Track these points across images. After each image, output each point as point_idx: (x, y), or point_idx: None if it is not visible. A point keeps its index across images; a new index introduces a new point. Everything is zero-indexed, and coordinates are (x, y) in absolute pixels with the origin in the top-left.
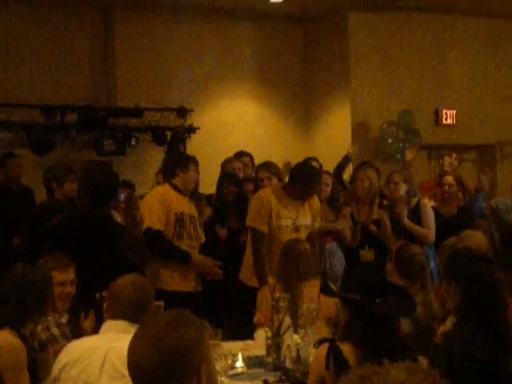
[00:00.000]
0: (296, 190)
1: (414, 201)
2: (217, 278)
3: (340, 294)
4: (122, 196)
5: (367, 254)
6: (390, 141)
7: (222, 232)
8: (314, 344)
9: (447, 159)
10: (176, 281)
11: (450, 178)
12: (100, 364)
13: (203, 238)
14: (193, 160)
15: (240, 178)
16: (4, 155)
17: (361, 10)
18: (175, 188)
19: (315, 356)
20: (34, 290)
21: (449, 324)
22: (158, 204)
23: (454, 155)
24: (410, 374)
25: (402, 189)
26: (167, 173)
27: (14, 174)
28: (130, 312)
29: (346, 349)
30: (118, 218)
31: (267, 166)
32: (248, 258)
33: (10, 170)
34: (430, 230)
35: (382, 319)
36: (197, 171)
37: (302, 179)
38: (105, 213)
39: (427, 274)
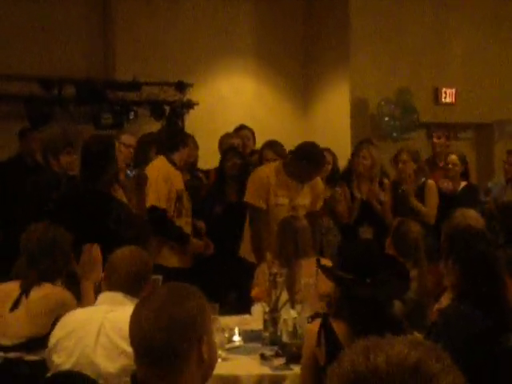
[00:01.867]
0: (297, 170)
1: (421, 181)
2: (208, 253)
3: (330, 271)
4: (132, 173)
5: (366, 231)
6: (386, 118)
7: (218, 209)
8: (308, 319)
9: (435, 140)
10: (173, 257)
11: (454, 157)
12: (95, 335)
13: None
14: (189, 136)
15: (242, 153)
16: (24, 129)
17: None
18: (171, 162)
19: (307, 331)
20: (64, 248)
21: (445, 301)
22: (162, 181)
23: (441, 134)
24: (413, 347)
25: (410, 167)
26: (167, 146)
27: (32, 148)
28: (127, 283)
29: (339, 325)
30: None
31: (273, 145)
32: (247, 233)
33: (28, 144)
34: (431, 210)
35: (370, 298)
36: (194, 148)
37: (306, 162)
38: (100, 186)
39: (421, 251)
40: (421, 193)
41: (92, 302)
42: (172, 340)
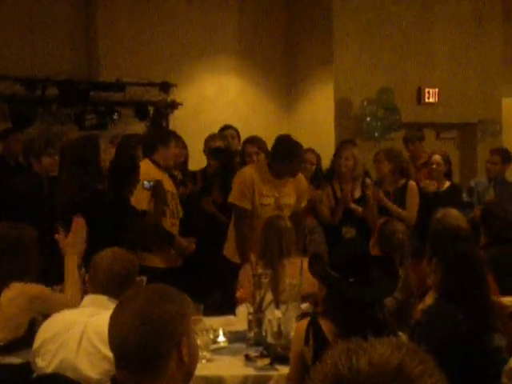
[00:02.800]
0: (278, 167)
1: (402, 181)
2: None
3: (314, 270)
4: (150, 184)
5: (349, 231)
6: (368, 119)
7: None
8: (296, 318)
9: (409, 146)
10: (158, 257)
11: (438, 157)
12: (78, 340)
13: (181, 213)
14: (174, 136)
15: (223, 153)
16: (6, 130)
17: None
18: (156, 164)
19: (296, 331)
20: (28, 247)
21: (428, 300)
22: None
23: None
24: (395, 349)
25: (385, 168)
26: (147, 148)
27: (15, 150)
28: (111, 285)
29: (327, 324)
30: None
31: (254, 140)
32: (231, 234)
33: (10, 145)
34: (410, 212)
35: (353, 298)
36: (177, 147)
37: (282, 155)
38: (123, 196)
39: (406, 250)
40: (402, 193)
41: (75, 280)
42: (150, 342)
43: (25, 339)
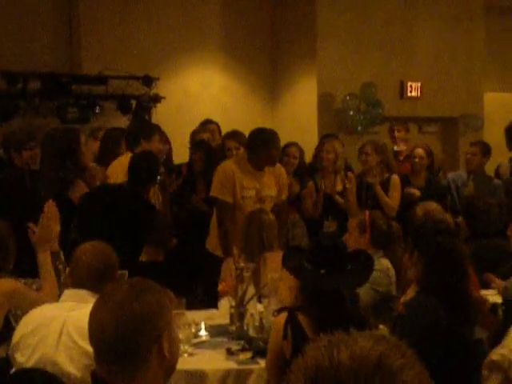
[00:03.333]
0: (256, 156)
1: (386, 175)
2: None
3: (288, 264)
4: (158, 178)
5: (331, 225)
6: (351, 112)
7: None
8: (273, 313)
9: (396, 133)
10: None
11: (420, 151)
12: (57, 335)
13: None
14: (157, 130)
15: (209, 146)
16: None
17: None
18: None
19: (274, 325)
20: (4, 242)
21: (410, 293)
22: (122, 174)
23: (400, 127)
24: (377, 342)
25: (373, 160)
26: (130, 141)
27: None
28: (91, 279)
29: (304, 318)
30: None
31: (234, 135)
32: (214, 227)
33: None
34: (393, 203)
35: (324, 291)
36: (161, 141)
37: (259, 144)
38: (146, 194)
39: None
40: (385, 187)
41: (52, 278)
42: (129, 336)
43: (2, 335)
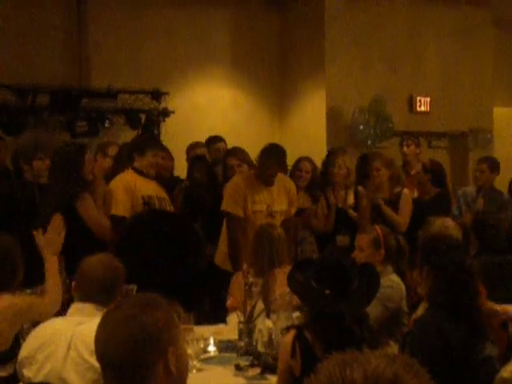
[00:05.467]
0: (261, 171)
1: (397, 189)
2: None
3: (290, 283)
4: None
5: (343, 240)
6: (361, 127)
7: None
8: (282, 331)
9: (405, 149)
10: None
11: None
12: (65, 350)
13: None
14: (151, 144)
15: (209, 162)
16: None
17: None
18: (138, 172)
19: (282, 343)
20: (13, 258)
21: (421, 310)
22: (122, 190)
23: (410, 142)
24: (389, 362)
25: (384, 175)
26: (128, 157)
27: (2, 157)
28: (97, 292)
29: (312, 336)
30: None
31: (236, 152)
32: (223, 242)
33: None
34: (404, 219)
35: (328, 312)
36: (157, 157)
37: (260, 160)
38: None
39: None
40: (396, 201)
41: (57, 281)
42: (135, 351)
43: (12, 351)
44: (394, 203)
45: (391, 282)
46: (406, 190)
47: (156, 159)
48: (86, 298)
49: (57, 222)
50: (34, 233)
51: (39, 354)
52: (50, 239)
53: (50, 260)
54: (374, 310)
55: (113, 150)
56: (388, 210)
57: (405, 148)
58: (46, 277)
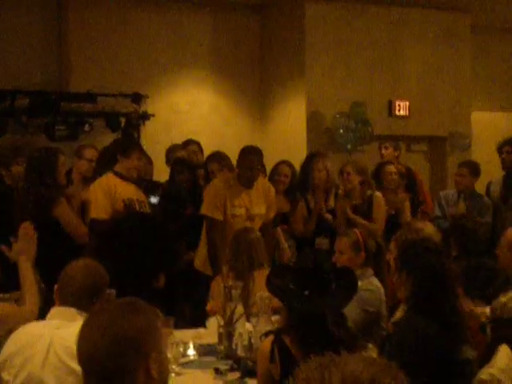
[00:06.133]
0: (240, 173)
1: (368, 193)
2: None
3: (270, 285)
4: (156, 198)
5: (323, 242)
6: (341, 131)
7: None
8: (260, 337)
9: (383, 151)
10: None
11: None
12: (44, 353)
13: None
14: (137, 148)
15: (192, 165)
16: None
17: (318, 0)
18: (119, 175)
19: (260, 349)
20: None
21: (399, 313)
22: (102, 194)
23: (388, 145)
24: (367, 365)
25: (355, 180)
26: (109, 159)
27: None
28: (79, 297)
29: (291, 340)
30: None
31: (216, 157)
32: (202, 246)
33: None
34: (378, 224)
35: (307, 312)
36: (141, 160)
37: (239, 160)
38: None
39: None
40: (369, 205)
41: (34, 288)
42: (116, 356)
43: None
44: (366, 208)
45: (371, 285)
46: (377, 193)
47: (139, 162)
48: (68, 302)
49: (26, 230)
50: (12, 240)
51: (17, 357)
52: (21, 248)
53: (23, 267)
54: (353, 313)
55: (88, 153)
56: (360, 220)
57: (383, 150)
58: (22, 285)
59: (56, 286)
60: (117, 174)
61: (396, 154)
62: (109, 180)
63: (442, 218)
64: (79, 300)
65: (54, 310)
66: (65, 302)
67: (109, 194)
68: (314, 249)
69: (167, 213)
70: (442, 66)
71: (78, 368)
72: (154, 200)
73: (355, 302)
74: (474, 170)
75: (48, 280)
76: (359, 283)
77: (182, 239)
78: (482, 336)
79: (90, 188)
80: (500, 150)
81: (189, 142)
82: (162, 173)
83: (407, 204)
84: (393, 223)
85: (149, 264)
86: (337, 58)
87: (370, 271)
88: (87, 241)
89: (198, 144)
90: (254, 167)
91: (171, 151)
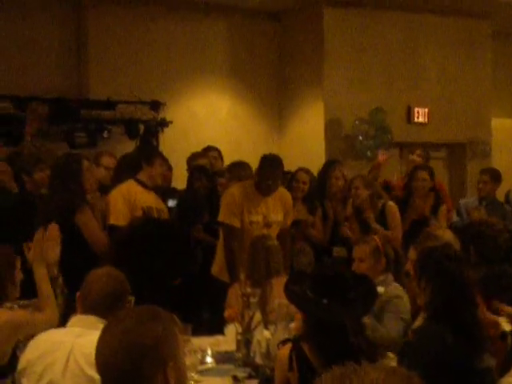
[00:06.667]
0: (260, 181)
1: (380, 203)
2: None
3: (289, 293)
4: (174, 202)
5: (340, 251)
6: (360, 138)
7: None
8: (278, 345)
9: (410, 156)
10: None
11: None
12: (64, 362)
13: None
14: (159, 155)
15: (210, 172)
16: None
17: (336, 6)
18: (140, 183)
19: (278, 357)
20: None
21: (419, 321)
22: (121, 200)
23: (417, 152)
24: (388, 374)
25: (364, 194)
26: (132, 167)
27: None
28: (101, 305)
29: (309, 348)
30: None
31: (232, 169)
32: (220, 253)
33: None
34: (396, 232)
35: (326, 321)
36: (164, 166)
37: (261, 168)
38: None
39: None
40: (382, 216)
41: (49, 294)
42: (133, 363)
43: (10, 365)
44: (380, 218)
45: (398, 290)
46: (390, 203)
47: (162, 169)
48: (90, 310)
49: (52, 231)
50: (25, 244)
51: (38, 364)
52: (39, 252)
53: (39, 273)
54: (394, 324)
55: (106, 160)
56: (380, 230)
57: (410, 155)
58: (39, 291)
59: (78, 294)
60: (138, 181)
61: (419, 160)
62: (129, 187)
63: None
64: (101, 308)
65: (75, 318)
66: (86, 310)
67: (128, 200)
68: (332, 257)
69: (183, 219)
70: (462, 73)
71: (96, 376)
72: (171, 204)
73: (391, 314)
74: (495, 176)
75: (69, 287)
76: (383, 289)
77: (198, 245)
78: (503, 344)
79: (110, 194)
80: None
81: (209, 149)
82: (180, 180)
83: (443, 212)
84: (418, 230)
85: (166, 270)
86: (355, 65)
87: (391, 277)
88: (106, 251)
89: (218, 151)
90: (275, 179)
91: (192, 159)
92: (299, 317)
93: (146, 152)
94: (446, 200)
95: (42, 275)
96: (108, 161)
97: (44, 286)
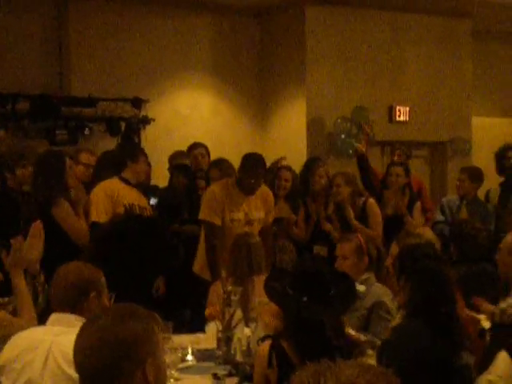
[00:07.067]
0: (242, 180)
1: (361, 201)
2: None
3: (268, 289)
4: (155, 200)
5: (321, 249)
6: (342, 136)
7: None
8: (257, 341)
9: (396, 158)
10: None
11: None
12: (43, 360)
13: None
14: (141, 151)
15: (191, 171)
16: None
17: (319, 4)
18: (124, 181)
19: (257, 354)
20: None
21: (398, 319)
22: (104, 197)
23: (397, 152)
24: (362, 371)
25: (345, 191)
26: (116, 165)
27: None
28: (65, 299)
29: (289, 345)
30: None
31: (218, 164)
32: (201, 251)
33: None
34: (376, 230)
35: (306, 318)
36: (147, 163)
37: (241, 170)
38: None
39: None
40: (363, 213)
41: (27, 297)
42: (112, 361)
43: None
44: (361, 216)
45: (382, 290)
46: (371, 200)
47: (146, 165)
48: (59, 305)
49: (37, 229)
50: (12, 240)
51: (16, 363)
52: (19, 258)
53: (16, 281)
54: (384, 329)
55: (84, 157)
56: (360, 228)
57: (396, 158)
58: (18, 295)
59: (49, 290)
60: (122, 179)
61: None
62: (112, 184)
63: (444, 223)
64: (64, 302)
65: (53, 317)
66: (57, 306)
67: (111, 197)
68: (313, 254)
69: (162, 217)
70: (443, 71)
71: (75, 375)
72: (153, 202)
73: (377, 318)
74: (473, 175)
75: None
76: (364, 287)
77: (180, 241)
78: (481, 342)
79: (93, 191)
80: (502, 154)
81: (196, 146)
82: (161, 177)
83: (418, 209)
84: (393, 226)
85: (147, 266)
86: (337, 63)
87: (373, 277)
88: (86, 242)
89: (205, 147)
90: (258, 178)
91: (174, 158)
92: (274, 313)
93: (130, 149)
94: (426, 201)
95: (18, 284)
96: (87, 158)
97: (23, 293)
